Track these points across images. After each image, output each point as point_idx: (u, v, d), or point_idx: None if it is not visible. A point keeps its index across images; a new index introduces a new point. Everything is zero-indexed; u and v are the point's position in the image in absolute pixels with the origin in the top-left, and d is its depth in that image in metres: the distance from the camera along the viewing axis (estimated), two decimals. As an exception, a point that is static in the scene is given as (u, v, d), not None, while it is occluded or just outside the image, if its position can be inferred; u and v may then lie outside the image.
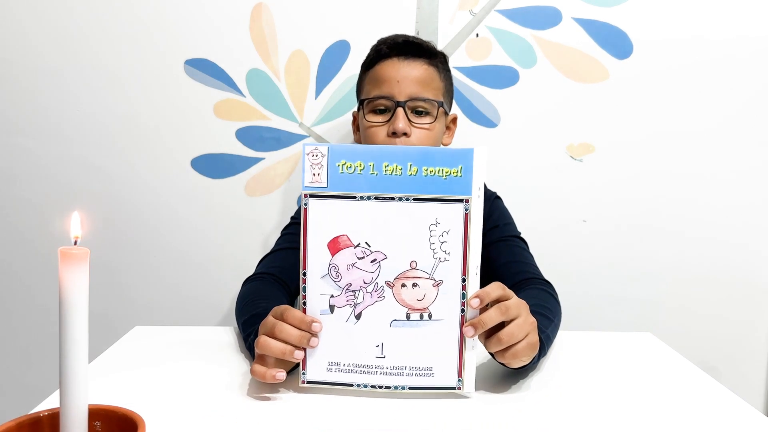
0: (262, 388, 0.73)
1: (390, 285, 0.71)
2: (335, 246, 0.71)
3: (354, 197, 0.70)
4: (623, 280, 1.39)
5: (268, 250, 1.10)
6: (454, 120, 1.16)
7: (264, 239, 1.36)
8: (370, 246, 0.71)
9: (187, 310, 1.40)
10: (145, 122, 1.34)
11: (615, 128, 1.35)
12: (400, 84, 1.04)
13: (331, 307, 0.72)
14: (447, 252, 0.70)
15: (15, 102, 1.33)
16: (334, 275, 0.71)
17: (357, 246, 0.71)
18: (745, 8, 1.31)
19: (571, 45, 1.32)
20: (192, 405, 0.68)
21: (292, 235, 1.10)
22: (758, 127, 1.35)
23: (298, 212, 1.16)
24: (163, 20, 1.31)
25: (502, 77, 1.34)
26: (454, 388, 0.71)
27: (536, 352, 0.73)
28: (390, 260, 0.71)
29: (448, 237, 0.70)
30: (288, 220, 1.17)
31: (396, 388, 0.71)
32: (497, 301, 0.70)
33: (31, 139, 1.34)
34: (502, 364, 0.73)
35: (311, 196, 0.70)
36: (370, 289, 0.71)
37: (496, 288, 0.70)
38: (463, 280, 0.70)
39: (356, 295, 0.71)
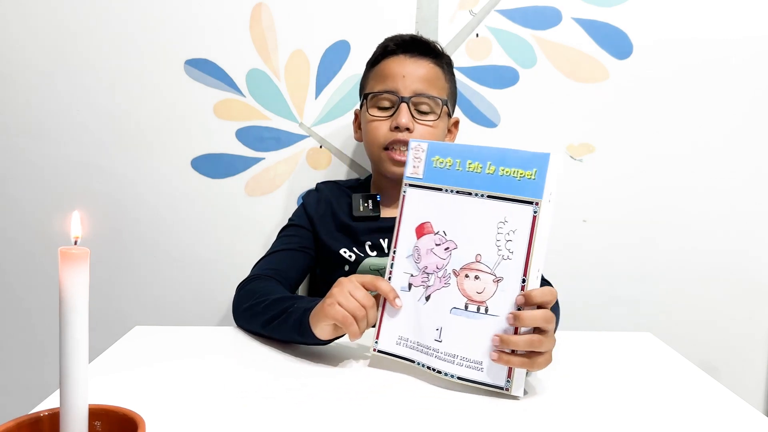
0: (263, 388, 0.73)
1: (456, 273, 0.74)
2: (421, 230, 0.78)
3: (441, 189, 0.77)
4: (623, 280, 1.39)
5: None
6: (456, 124, 1.16)
7: (264, 239, 1.36)
8: (446, 235, 0.76)
9: (187, 310, 1.40)
10: (145, 122, 1.34)
11: (615, 128, 1.35)
12: (405, 79, 1.04)
13: (409, 285, 0.78)
14: (511, 251, 0.71)
15: (14, 102, 1.33)
16: (416, 257, 0.78)
17: (437, 233, 0.77)
18: (745, 9, 1.31)
19: (571, 45, 1.32)
20: (192, 405, 0.68)
21: (290, 237, 1.10)
22: (758, 128, 1.35)
23: (296, 214, 1.16)
24: (163, 20, 1.31)
25: (502, 77, 1.34)
26: (502, 388, 0.70)
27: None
28: (459, 250, 0.75)
29: (513, 236, 0.71)
30: (286, 222, 1.17)
31: (446, 374, 0.73)
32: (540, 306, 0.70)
33: (31, 139, 1.34)
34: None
35: (410, 185, 0.79)
36: (440, 274, 0.76)
37: (546, 293, 0.70)
38: (523, 281, 0.70)
39: (429, 278, 0.77)
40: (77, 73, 1.32)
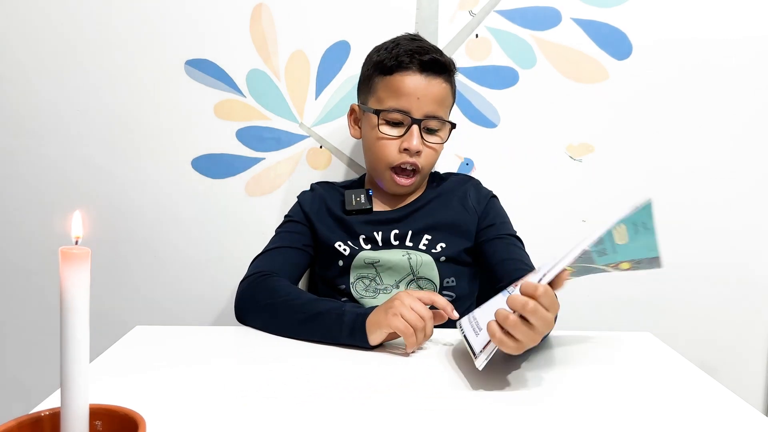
0: (263, 388, 0.73)
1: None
2: None
3: None
4: (623, 280, 1.39)
5: (267, 251, 1.10)
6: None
7: (264, 239, 1.36)
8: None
9: (188, 310, 1.40)
10: (145, 122, 1.34)
11: (615, 128, 1.35)
12: (419, 101, 1.04)
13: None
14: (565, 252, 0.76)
15: (15, 102, 1.33)
16: None
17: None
18: (744, 9, 1.31)
19: (570, 45, 1.32)
20: (192, 404, 0.68)
21: (290, 233, 1.11)
22: (758, 128, 1.35)
23: (293, 210, 1.17)
24: (163, 20, 1.31)
25: (501, 78, 1.34)
26: (474, 355, 0.74)
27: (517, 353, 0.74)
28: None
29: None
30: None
31: (460, 328, 0.81)
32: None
33: (31, 139, 1.34)
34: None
35: None
36: None
37: (529, 288, 0.71)
38: (544, 275, 0.73)
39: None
40: (77, 73, 1.32)
